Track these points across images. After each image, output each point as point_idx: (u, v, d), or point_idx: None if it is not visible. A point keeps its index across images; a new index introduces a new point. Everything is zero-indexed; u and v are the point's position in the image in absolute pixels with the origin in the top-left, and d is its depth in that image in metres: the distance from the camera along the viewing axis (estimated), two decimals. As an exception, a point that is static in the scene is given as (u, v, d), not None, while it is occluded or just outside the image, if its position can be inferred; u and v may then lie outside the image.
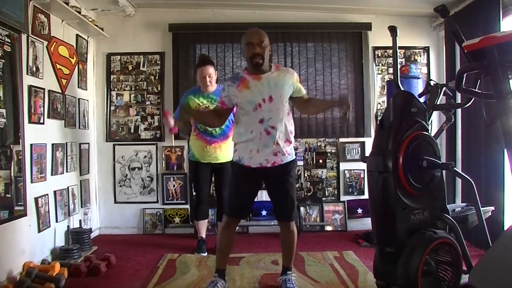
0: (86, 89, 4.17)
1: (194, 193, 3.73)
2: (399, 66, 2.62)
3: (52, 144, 3.40)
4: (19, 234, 2.89)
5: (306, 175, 4.42)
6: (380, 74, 4.47)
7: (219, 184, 3.53)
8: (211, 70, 3.42)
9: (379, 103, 4.44)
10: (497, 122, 2.09)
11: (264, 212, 4.22)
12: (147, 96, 4.39)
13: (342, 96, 2.45)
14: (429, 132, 2.32)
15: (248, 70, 2.54)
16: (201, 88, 3.48)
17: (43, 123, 3.27)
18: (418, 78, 3.88)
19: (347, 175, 4.45)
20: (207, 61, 3.49)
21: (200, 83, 3.46)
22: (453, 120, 2.69)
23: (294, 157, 2.64)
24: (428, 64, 4.47)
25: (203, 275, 2.95)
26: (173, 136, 4.33)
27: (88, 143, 4.20)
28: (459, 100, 3.05)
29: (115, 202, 4.39)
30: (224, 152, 3.40)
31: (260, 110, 2.45)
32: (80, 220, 3.70)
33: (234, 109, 2.63)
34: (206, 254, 3.49)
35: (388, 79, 4.37)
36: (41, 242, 3.19)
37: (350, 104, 2.41)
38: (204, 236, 3.62)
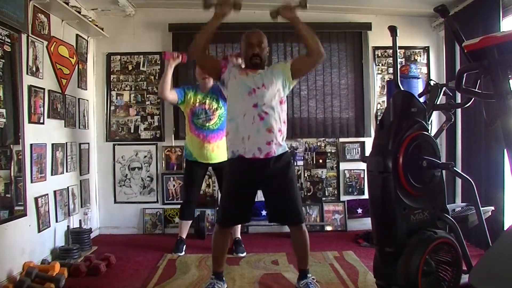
0: (86, 89, 4.17)
1: (184, 192, 3.75)
2: (399, 66, 2.62)
3: (52, 144, 3.40)
4: (19, 234, 2.89)
5: (306, 175, 4.42)
6: (380, 74, 4.47)
7: (220, 184, 3.55)
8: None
9: (379, 103, 4.44)
10: (497, 122, 2.09)
11: (264, 212, 4.22)
12: (147, 96, 4.39)
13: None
14: (429, 132, 2.32)
15: (246, 67, 2.67)
16: (200, 87, 3.54)
17: (43, 123, 3.27)
18: (418, 78, 3.89)
19: (347, 175, 4.45)
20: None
21: (199, 80, 3.55)
22: (453, 120, 2.70)
23: (287, 149, 2.62)
24: (428, 64, 4.47)
25: (203, 275, 2.95)
26: (173, 135, 4.34)
27: (88, 143, 4.20)
28: (459, 100, 3.05)
29: (115, 202, 4.39)
30: (222, 150, 3.38)
31: (255, 95, 2.51)
32: (80, 220, 3.70)
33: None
34: (183, 254, 3.50)
35: (388, 79, 4.37)
36: (41, 242, 3.19)
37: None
38: (184, 236, 3.64)
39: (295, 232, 2.62)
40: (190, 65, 4.34)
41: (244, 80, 2.56)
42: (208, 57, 2.65)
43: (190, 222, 3.70)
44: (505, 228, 2.97)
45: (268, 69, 2.67)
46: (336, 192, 4.45)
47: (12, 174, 2.82)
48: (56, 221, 3.44)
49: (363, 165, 3.96)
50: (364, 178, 4.38)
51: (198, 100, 3.49)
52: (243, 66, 2.76)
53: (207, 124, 3.44)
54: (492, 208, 2.66)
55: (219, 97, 3.45)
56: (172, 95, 3.43)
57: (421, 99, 2.57)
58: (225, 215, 2.61)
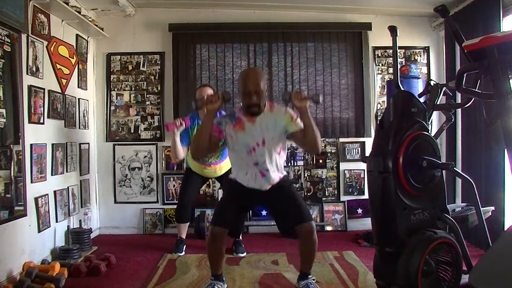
0: (86, 89, 4.17)
1: (179, 196, 3.74)
2: (399, 66, 2.62)
3: (52, 144, 3.40)
4: (19, 234, 2.89)
5: (306, 175, 4.42)
6: (380, 74, 4.47)
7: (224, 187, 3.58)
8: (210, 91, 3.47)
9: (379, 103, 4.44)
10: (497, 122, 2.09)
11: (264, 212, 4.22)
12: (147, 96, 4.39)
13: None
14: (429, 132, 2.32)
15: (244, 112, 2.54)
16: (200, 115, 3.45)
17: (43, 123, 3.27)
18: (418, 78, 3.89)
19: (347, 175, 4.45)
20: (207, 85, 3.70)
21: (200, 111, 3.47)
22: (453, 120, 2.70)
23: (285, 173, 2.67)
24: (428, 64, 4.47)
25: (203, 275, 2.95)
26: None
27: (88, 143, 4.20)
28: (459, 100, 3.05)
29: (115, 202, 4.39)
30: (225, 168, 3.45)
31: (254, 154, 2.49)
32: (80, 220, 3.70)
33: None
34: (183, 254, 3.50)
35: (388, 79, 4.37)
36: (41, 242, 3.19)
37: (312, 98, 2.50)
38: (184, 236, 3.65)
39: (304, 235, 2.51)
40: (190, 64, 4.36)
41: (242, 139, 2.50)
42: (211, 148, 2.58)
43: (187, 224, 3.70)
44: (505, 228, 2.97)
45: (271, 113, 2.53)
46: (336, 192, 4.45)
47: (12, 174, 2.82)
48: (56, 221, 3.44)
49: (363, 165, 3.96)
50: (364, 178, 4.38)
51: None
52: (239, 113, 2.56)
53: (208, 160, 3.45)
54: (492, 208, 2.65)
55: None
56: (184, 151, 3.44)
57: (421, 99, 2.56)
58: (219, 215, 2.58)
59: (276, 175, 2.56)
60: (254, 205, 2.71)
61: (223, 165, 3.47)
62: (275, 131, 2.50)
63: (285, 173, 2.66)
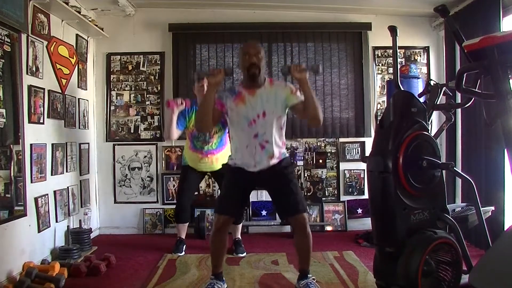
0: (86, 89, 4.17)
1: (177, 197, 3.74)
2: (399, 66, 2.62)
3: (52, 144, 3.40)
4: (19, 234, 2.89)
5: (306, 175, 4.42)
6: (380, 74, 4.47)
7: (220, 185, 3.55)
8: None
9: (379, 103, 4.44)
10: (497, 122, 2.09)
11: (264, 212, 4.22)
12: (147, 96, 4.39)
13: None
14: (429, 132, 2.32)
15: (244, 84, 2.59)
16: (198, 100, 3.47)
17: (43, 123, 3.27)
18: (418, 78, 3.88)
19: (347, 175, 4.45)
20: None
21: (198, 96, 3.47)
22: (453, 120, 2.70)
23: (287, 155, 2.68)
24: (428, 64, 4.47)
25: (203, 275, 2.95)
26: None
27: (88, 143, 4.20)
28: (459, 100, 3.05)
29: (115, 202, 4.39)
30: (221, 161, 3.41)
31: (255, 125, 2.52)
32: (80, 220, 3.70)
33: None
34: (183, 254, 3.50)
35: (388, 79, 4.37)
36: (41, 242, 3.19)
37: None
38: (183, 237, 3.65)
39: (296, 225, 2.55)
40: (190, 64, 4.35)
41: (243, 111, 2.52)
42: (214, 122, 2.58)
43: (186, 224, 3.70)
44: (505, 228, 2.96)
45: (271, 87, 2.56)
46: (336, 192, 4.44)
47: (12, 174, 2.82)
48: (56, 221, 3.44)
49: (363, 165, 3.96)
50: (364, 178, 4.38)
51: None
52: (240, 87, 2.60)
53: (206, 146, 3.45)
54: (492, 208, 2.65)
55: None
56: (177, 133, 3.46)
57: (421, 99, 2.56)
58: (220, 204, 2.63)
59: (276, 150, 2.55)
60: (254, 186, 2.73)
61: (219, 157, 3.44)
62: (275, 104, 2.53)
63: (285, 151, 2.66)
